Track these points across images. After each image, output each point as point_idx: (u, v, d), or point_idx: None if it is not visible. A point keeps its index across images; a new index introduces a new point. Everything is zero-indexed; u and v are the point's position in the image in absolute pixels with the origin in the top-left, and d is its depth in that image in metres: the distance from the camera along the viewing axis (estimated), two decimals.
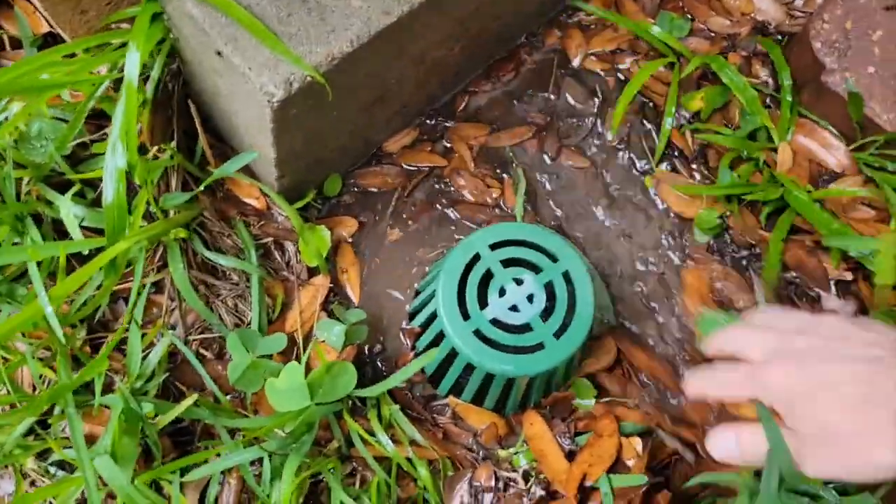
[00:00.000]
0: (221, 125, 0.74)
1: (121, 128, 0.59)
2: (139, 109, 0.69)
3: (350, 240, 0.82)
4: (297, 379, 0.60)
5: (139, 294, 0.67)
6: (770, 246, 0.78)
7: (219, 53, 0.56)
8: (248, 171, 0.78)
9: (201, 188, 0.69)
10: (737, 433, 0.50)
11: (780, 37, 0.91)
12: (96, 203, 0.70)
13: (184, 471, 0.66)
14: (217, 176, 0.68)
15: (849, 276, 0.78)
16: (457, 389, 0.74)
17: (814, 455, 0.46)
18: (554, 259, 0.71)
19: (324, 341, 0.75)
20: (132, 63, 0.59)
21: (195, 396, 0.63)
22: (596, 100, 0.88)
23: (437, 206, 0.84)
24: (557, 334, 0.68)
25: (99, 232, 0.68)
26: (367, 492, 0.67)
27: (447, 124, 0.87)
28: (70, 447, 0.63)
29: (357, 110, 0.70)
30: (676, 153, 0.87)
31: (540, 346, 0.68)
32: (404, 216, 0.83)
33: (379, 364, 0.77)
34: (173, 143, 0.71)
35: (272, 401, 0.60)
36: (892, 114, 0.78)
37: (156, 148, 0.67)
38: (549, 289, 0.70)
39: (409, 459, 0.68)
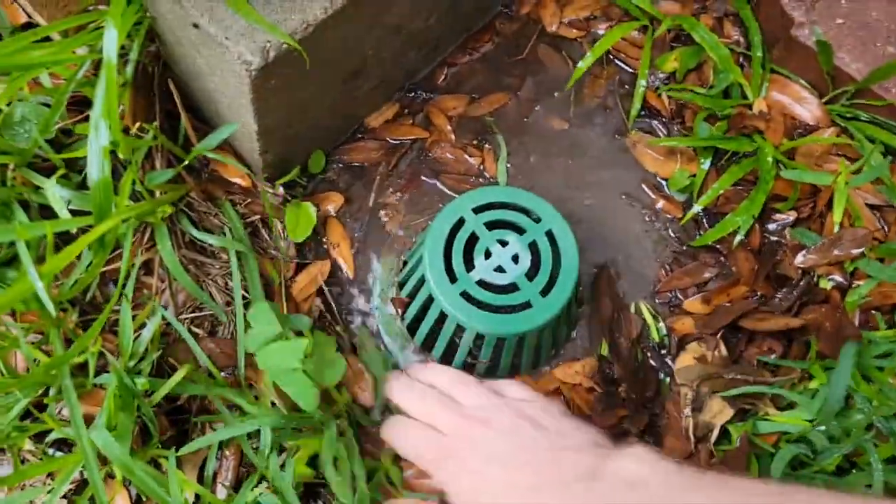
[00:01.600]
0: (204, 106, 0.75)
1: (102, 105, 0.60)
2: (120, 90, 0.70)
3: (335, 214, 0.83)
4: (300, 347, 0.61)
5: (128, 272, 0.68)
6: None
7: (195, 25, 0.57)
8: (232, 151, 0.79)
9: (184, 165, 0.70)
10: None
11: None
12: (81, 187, 0.71)
13: (180, 448, 0.66)
14: (199, 151, 0.69)
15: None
16: (449, 353, 0.75)
17: None
18: (537, 220, 0.72)
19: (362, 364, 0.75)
20: (110, 41, 0.60)
21: (188, 367, 0.64)
22: (571, 66, 0.89)
23: (422, 177, 0.85)
24: (544, 292, 0.69)
25: (86, 214, 0.68)
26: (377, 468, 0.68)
27: (427, 97, 0.88)
28: (68, 426, 0.63)
29: (337, 83, 0.71)
30: (653, 115, 0.88)
31: (527, 305, 0.69)
32: (390, 189, 0.84)
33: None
34: (155, 124, 0.71)
35: (266, 357, 0.61)
36: (861, 63, 0.79)
37: (137, 126, 0.67)
38: (534, 248, 0.71)
39: None
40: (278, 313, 0.64)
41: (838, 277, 0.75)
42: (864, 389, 0.68)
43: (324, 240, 0.81)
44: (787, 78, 0.86)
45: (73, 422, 0.56)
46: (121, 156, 0.61)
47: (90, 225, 0.62)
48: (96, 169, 0.61)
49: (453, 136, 0.86)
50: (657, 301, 0.80)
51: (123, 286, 0.67)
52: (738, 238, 0.79)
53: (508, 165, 0.85)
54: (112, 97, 0.60)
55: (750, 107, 0.85)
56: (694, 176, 0.83)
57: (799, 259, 0.76)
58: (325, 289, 0.78)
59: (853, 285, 0.75)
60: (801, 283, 0.75)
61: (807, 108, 0.84)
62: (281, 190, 0.79)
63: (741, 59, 0.89)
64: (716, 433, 0.68)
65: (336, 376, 0.65)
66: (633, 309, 0.79)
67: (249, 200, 0.79)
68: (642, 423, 0.71)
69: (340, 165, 0.85)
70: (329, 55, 0.64)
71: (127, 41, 0.71)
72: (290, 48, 0.57)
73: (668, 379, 0.75)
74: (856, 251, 0.74)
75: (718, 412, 0.69)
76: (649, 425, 0.72)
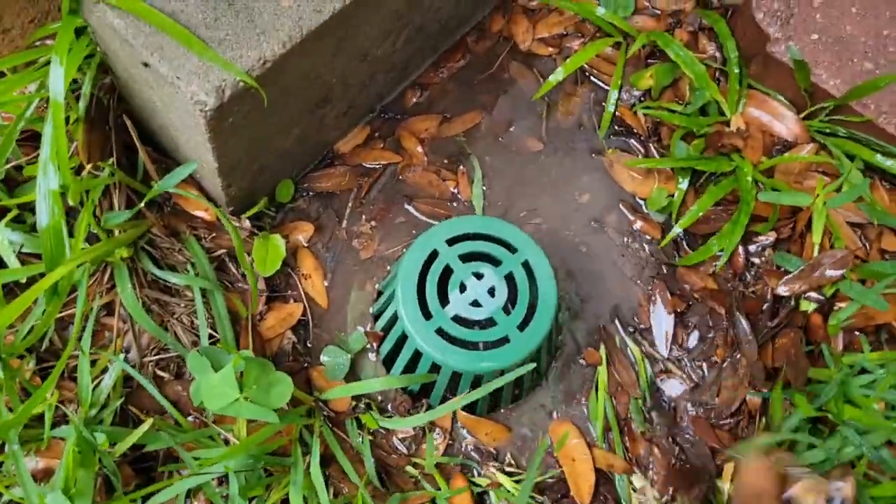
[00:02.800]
0: (163, 139, 0.72)
1: (51, 147, 0.57)
2: (73, 127, 0.67)
3: (307, 245, 0.80)
4: (231, 375, 0.58)
5: (86, 319, 0.65)
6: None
7: (145, 64, 0.54)
8: (196, 185, 0.76)
9: (143, 204, 0.67)
10: None
11: (723, 10, 0.91)
12: (37, 228, 0.68)
13: (147, 499, 0.64)
14: (158, 190, 0.66)
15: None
16: (426, 387, 0.73)
17: None
18: (512, 250, 0.70)
19: (322, 365, 0.74)
20: (56, 78, 0.57)
21: (151, 421, 0.61)
22: (544, 83, 0.87)
23: (395, 203, 0.82)
24: (522, 326, 0.67)
25: (39, 257, 0.65)
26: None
27: (398, 119, 0.86)
28: None
29: (301, 112, 0.68)
30: (629, 133, 0.86)
31: (505, 340, 0.67)
32: (363, 216, 0.82)
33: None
34: (111, 161, 0.68)
35: (204, 397, 0.58)
36: (838, 79, 0.78)
37: (91, 165, 0.64)
38: (510, 280, 0.69)
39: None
40: (223, 355, 0.62)
41: (816, 296, 0.74)
42: (851, 415, 0.66)
43: (296, 271, 0.79)
44: (765, 94, 0.84)
45: (22, 486, 0.53)
46: (70, 202, 0.58)
47: (42, 272, 0.59)
48: (45, 214, 0.57)
49: (426, 159, 0.84)
50: (639, 327, 0.78)
51: (81, 333, 0.64)
52: (722, 260, 0.78)
53: (484, 188, 0.83)
54: (60, 138, 0.57)
55: (727, 123, 0.83)
56: (672, 196, 0.81)
57: (781, 289, 0.74)
58: (306, 319, 0.76)
59: (836, 307, 0.74)
60: (781, 312, 0.73)
61: (785, 124, 0.83)
62: (247, 223, 0.76)
63: (718, 75, 0.87)
64: None
65: (284, 394, 0.63)
66: (617, 342, 0.77)
67: (214, 234, 0.76)
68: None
69: (310, 193, 0.82)
70: (291, 88, 0.61)
71: (79, 74, 0.68)
72: (247, 85, 0.54)
73: None
74: (836, 273, 0.73)
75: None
76: None
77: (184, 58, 0.53)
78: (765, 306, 0.74)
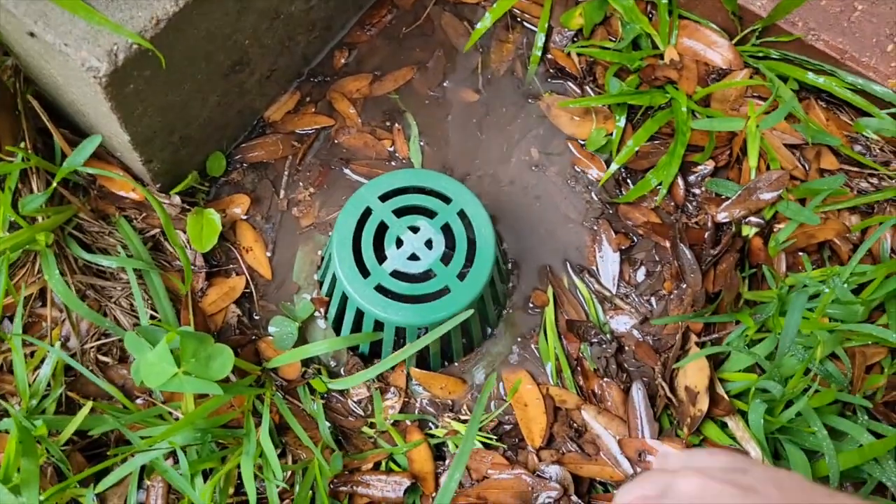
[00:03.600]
0: (78, 118, 0.69)
1: None
2: None
3: (245, 217, 0.78)
4: (166, 351, 0.57)
5: (14, 309, 0.63)
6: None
7: (31, 34, 0.52)
8: (120, 164, 0.74)
9: (55, 184, 0.65)
10: None
11: None
12: None
13: (99, 482, 0.63)
14: (67, 169, 0.64)
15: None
16: (375, 348, 0.72)
17: None
18: (447, 200, 0.69)
19: (271, 336, 0.73)
20: None
21: (90, 405, 0.60)
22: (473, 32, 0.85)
23: (332, 167, 0.81)
24: (462, 275, 0.66)
25: None
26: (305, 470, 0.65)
27: (328, 81, 0.83)
28: None
29: (214, 77, 0.66)
30: (565, 76, 0.85)
31: (446, 291, 0.66)
32: (300, 183, 0.80)
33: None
34: (24, 144, 0.66)
35: (143, 376, 0.58)
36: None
37: (2, 150, 0.62)
38: (447, 231, 0.68)
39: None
40: (160, 333, 0.61)
41: (756, 220, 0.74)
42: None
43: (236, 244, 0.77)
44: (696, 23, 0.83)
45: None
46: None
47: None
48: None
49: (359, 120, 0.82)
50: (588, 267, 0.78)
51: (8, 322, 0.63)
52: (661, 193, 0.77)
53: (421, 144, 0.82)
54: None
55: (661, 56, 0.82)
56: (611, 135, 0.81)
57: (721, 215, 0.74)
58: (249, 291, 0.75)
59: (775, 229, 0.74)
60: (723, 239, 0.73)
61: (718, 52, 0.82)
62: (177, 199, 0.74)
63: (649, 9, 0.86)
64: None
65: (225, 365, 0.62)
66: (566, 284, 0.76)
67: (145, 214, 0.74)
68: None
69: (244, 165, 0.80)
70: (196, 49, 0.59)
71: None
72: (143, 48, 0.52)
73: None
74: (772, 195, 0.72)
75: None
76: None
77: (70, 23, 0.51)
78: (706, 235, 0.74)
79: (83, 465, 0.66)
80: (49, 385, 0.66)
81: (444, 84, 0.85)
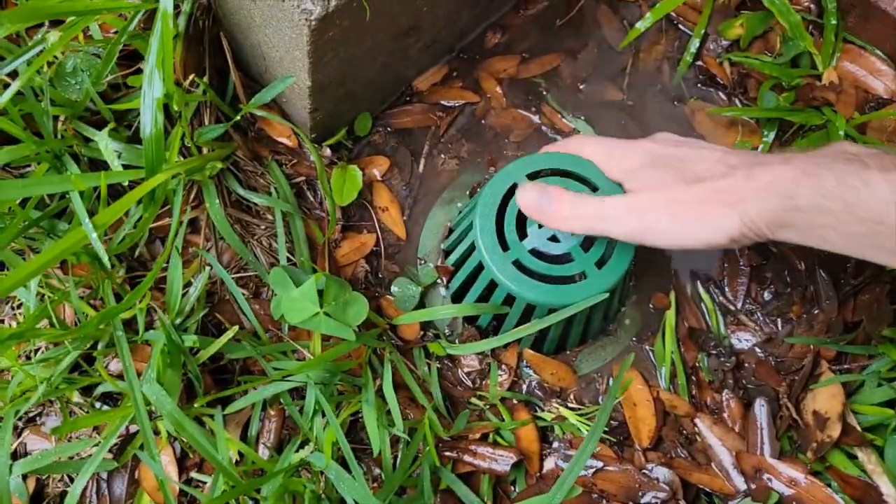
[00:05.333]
0: (253, 63, 0.73)
1: (157, 56, 0.58)
2: (172, 43, 0.69)
3: (381, 179, 0.81)
4: (312, 290, 0.60)
5: (179, 227, 0.67)
6: None
7: None
8: (280, 111, 0.77)
9: (234, 121, 0.68)
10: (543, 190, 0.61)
11: None
12: (131, 141, 0.70)
13: (226, 407, 0.66)
14: (253, 105, 0.67)
15: None
16: (496, 322, 0.73)
17: (656, 220, 0.54)
18: (594, 188, 0.69)
19: (392, 296, 0.75)
20: None
21: (236, 328, 0.64)
22: (629, 29, 0.85)
23: (471, 142, 0.82)
24: (599, 263, 0.67)
25: (136, 168, 0.67)
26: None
27: (477, 59, 0.85)
28: (116, 380, 0.64)
29: (390, 39, 0.68)
30: (714, 84, 0.84)
31: (582, 276, 0.67)
32: (440, 154, 0.82)
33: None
34: (205, 79, 0.70)
35: (285, 311, 0.60)
36: None
37: (188, 81, 0.66)
38: None
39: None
40: (303, 275, 0.64)
41: None
42: None
43: (371, 203, 0.80)
44: (861, 48, 0.81)
45: (125, 374, 0.56)
46: (174, 108, 0.60)
47: (142, 178, 0.61)
48: (149, 121, 0.59)
49: (504, 100, 0.84)
50: (711, 279, 0.77)
51: (174, 241, 0.67)
52: None
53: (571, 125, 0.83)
54: (167, 47, 0.58)
55: (819, 77, 0.80)
56: (756, 149, 0.79)
57: None
58: (378, 250, 0.77)
59: None
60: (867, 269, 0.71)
61: (881, 80, 0.80)
62: (328, 151, 0.77)
63: (811, 28, 0.84)
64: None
65: (361, 313, 0.65)
66: (689, 292, 0.76)
67: (295, 161, 0.77)
68: None
69: (388, 129, 0.83)
70: (387, 8, 0.62)
71: None
72: None
73: None
74: None
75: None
76: None
77: None
78: (849, 263, 0.72)
79: (211, 386, 0.70)
80: (192, 308, 0.70)
81: (590, 75, 0.85)
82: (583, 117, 0.82)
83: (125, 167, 0.69)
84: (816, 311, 0.72)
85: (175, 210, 0.65)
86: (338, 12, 0.55)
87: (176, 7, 0.69)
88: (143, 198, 0.61)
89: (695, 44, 0.83)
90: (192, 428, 0.57)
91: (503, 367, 0.74)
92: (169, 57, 0.58)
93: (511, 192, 0.69)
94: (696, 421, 0.69)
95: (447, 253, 0.78)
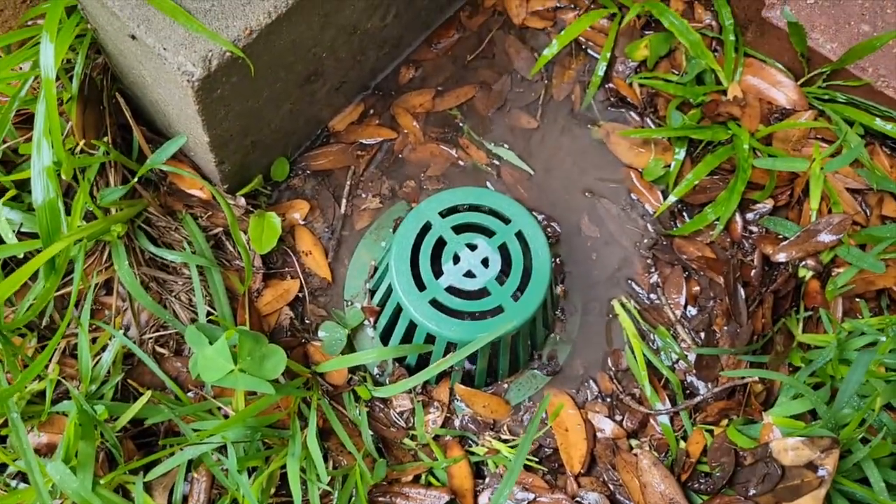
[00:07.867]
0: (157, 118, 0.72)
1: (44, 124, 0.57)
2: (67, 106, 0.68)
3: (303, 223, 0.80)
4: (224, 348, 0.59)
5: (84, 294, 0.66)
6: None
7: (132, 37, 0.54)
8: (190, 163, 0.76)
9: (136, 180, 0.67)
10: None
11: None
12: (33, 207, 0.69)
13: (148, 471, 0.64)
14: (150, 165, 0.66)
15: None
16: (422, 361, 0.73)
17: None
18: (506, 220, 0.70)
19: (320, 341, 0.74)
20: (47, 55, 0.57)
21: (149, 394, 0.62)
22: (538, 58, 0.87)
23: (392, 179, 0.82)
24: (515, 296, 0.67)
25: (37, 237, 0.66)
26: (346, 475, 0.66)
27: (392, 95, 0.86)
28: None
29: (291, 86, 0.68)
30: (625, 105, 0.86)
31: (499, 310, 0.67)
32: (360, 193, 0.82)
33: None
34: (106, 139, 0.69)
35: (201, 370, 0.59)
36: (835, 43, 0.77)
37: (85, 143, 0.65)
38: (504, 251, 0.69)
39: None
40: (219, 330, 0.63)
41: (813, 263, 0.73)
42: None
43: (294, 248, 0.79)
44: (761, 62, 0.83)
45: (22, 453, 0.54)
46: (63, 177, 0.59)
47: (38, 249, 0.59)
48: (40, 190, 0.58)
49: (421, 135, 0.84)
50: (637, 293, 0.78)
51: (78, 309, 0.65)
52: (718, 229, 0.77)
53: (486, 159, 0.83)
54: (53, 115, 0.57)
55: (724, 93, 0.82)
56: (669, 166, 0.81)
57: (779, 255, 0.73)
58: (302, 295, 0.76)
59: (833, 273, 0.73)
60: (778, 279, 0.73)
61: (783, 91, 0.82)
62: (242, 201, 0.76)
63: (714, 45, 0.86)
64: None
65: (278, 365, 0.63)
66: (616, 308, 0.76)
67: (210, 213, 0.76)
68: None
69: (307, 172, 0.82)
70: (279, 59, 0.61)
71: (72, 54, 0.69)
72: (234, 56, 0.55)
73: None
74: (832, 238, 0.72)
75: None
76: None
77: (170, 29, 0.53)
78: (753, 272, 0.74)
79: (133, 452, 0.68)
80: (108, 372, 0.68)
81: (505, 104, 0.86)
82: (505, 145, 0.83)
83: (26, 235, 0.67)
84: (736, 325, 0.73)
85: (76, 277, 0.63)
86: (221, 71, 0.54)
87: (71, 68, 0.68)
88: (43, 267, 0.60)
89: (602, 67, 0.85)
90: None
91: (435, 403, 0.73)
92: (56, 124, 0.57)
93: (425, 230, 0.69)
94: (631, 442, 0.69)
95: (373, 293, 0.77)
